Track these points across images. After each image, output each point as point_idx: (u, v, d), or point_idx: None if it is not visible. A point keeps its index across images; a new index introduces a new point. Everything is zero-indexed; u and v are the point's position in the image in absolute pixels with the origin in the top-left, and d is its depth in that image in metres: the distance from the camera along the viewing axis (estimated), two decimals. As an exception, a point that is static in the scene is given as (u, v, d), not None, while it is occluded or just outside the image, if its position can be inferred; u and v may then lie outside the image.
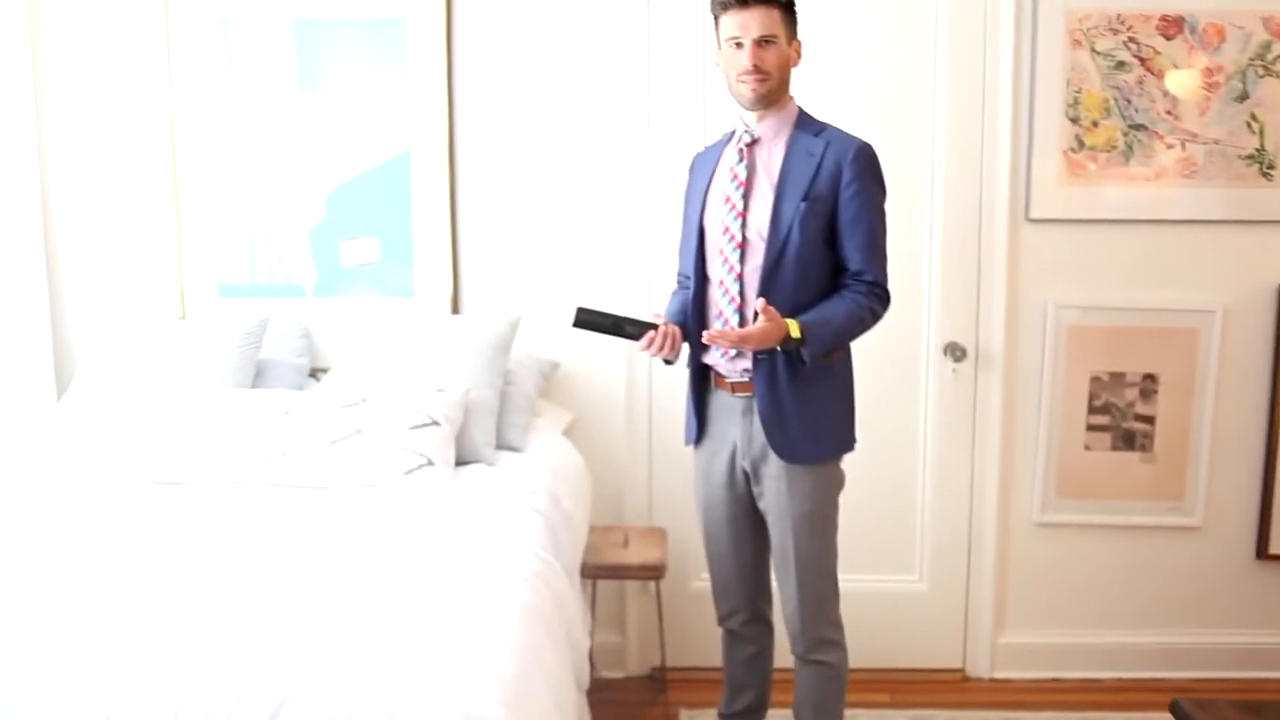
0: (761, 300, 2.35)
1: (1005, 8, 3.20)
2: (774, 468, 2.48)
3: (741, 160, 2.51)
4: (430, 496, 2.52)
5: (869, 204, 2.45)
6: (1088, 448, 3.37)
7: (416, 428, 2.65)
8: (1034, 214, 3.28)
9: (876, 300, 2.47)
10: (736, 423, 2.54)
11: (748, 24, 2.42)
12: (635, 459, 3.41)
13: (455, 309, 3.36)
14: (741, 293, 2.47)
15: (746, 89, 2.45)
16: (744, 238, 2.47)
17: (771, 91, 2.45)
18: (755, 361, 2.45)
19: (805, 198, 2.42)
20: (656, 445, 3.40)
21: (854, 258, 2.45)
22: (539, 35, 3.31)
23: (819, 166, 2.44)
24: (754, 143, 2.51)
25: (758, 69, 2.42)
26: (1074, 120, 3.23)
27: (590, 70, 3.31)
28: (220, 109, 3.33)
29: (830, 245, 2.47)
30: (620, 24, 3.29)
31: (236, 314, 3.29)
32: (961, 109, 3.26)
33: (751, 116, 2.52)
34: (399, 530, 2.30)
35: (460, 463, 2.77)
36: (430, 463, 2.60)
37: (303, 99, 3.32)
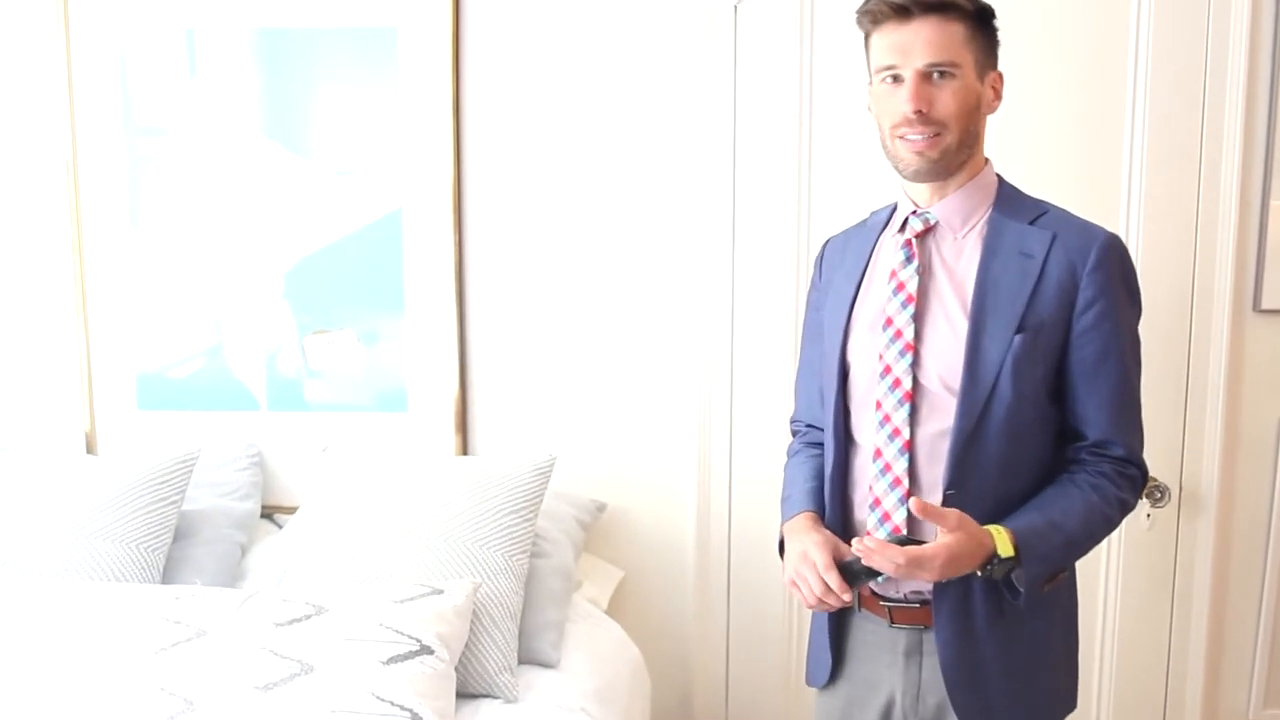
0: (955, 513, 1.46)
1: (1239, 9, 2.28)
2: None
3: (910, 260, 1.63)
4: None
5: (1121, 336, 1.60)
6: (1332, 623, 2.49)
7: (395, 660, 1.74)
8: (1267, 302, 2.39)
9: (1129, 487, 1.63)
10: (896, 665, 1.67)
11: (910, 46, 1.55)
12: (708, 636, 2.53)
13: (462, 428, 2.46)
14: (912, 472, 1.59)
15: (908, 149, 1.59)
16: (917, 385, 1.59)
17: (949, 153, 1.58)
18: (936, 583, 1.54)
19: (1022, 327, 1.55)
20: (737, 614, 2.51)
21: (1094, 420, 1.61)
22: (580, 51, 2.39)
23: (1041, 275, 1.58)
24: (928, 231, 1.63)
25: (924, 116, 1.55)
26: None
27: (654, 97, 2.39)
28: (147, 146, 2.43)
29: (1056, 399, 1.61)
30: (688, 33, 2.37)
31: (157, 442, 2.39)
32: (1166, 153, 2.35)
33: (922, 191, 1.64)
34: None
35: (465, 696, 1.87)
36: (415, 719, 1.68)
37: (260, 139, 2.41)
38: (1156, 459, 2.42)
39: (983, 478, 1.56)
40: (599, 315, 2.46)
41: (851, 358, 1.67)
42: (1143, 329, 2.35)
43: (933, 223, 1.63)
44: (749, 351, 2.44)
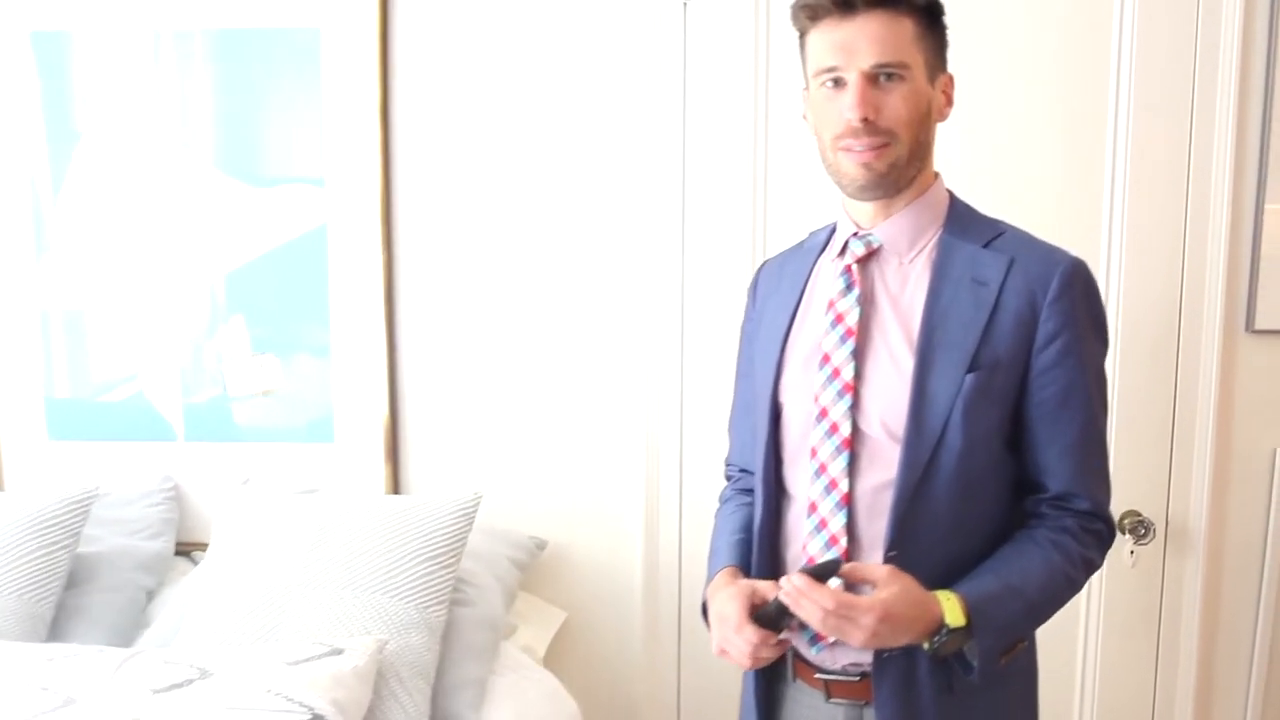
0: (886, 568, 1.29)
1: (1229, 9, 2.09)
2: None
3: (850, 289, 1.45)
4: None
5: (1086, 374, 1.41)
6: (1330, 666, 2.31)
7: (286, 733, 1.56)
8: (1261, 322, 2.19)
9: (1094, 544, 1.45)
10: None
11: (853, 45, 1.36)
12: (657, 689, 2.36)
13: (393, 459, 2.30)
14: (851, 529, 1.41)
15: (852, 161, 1.40)
16: (856, 431, 1.41)
17: (898, 166, 1.40)
18: (877, 655, 1.36)
19: (975, 366, 1.38)
20: (689, 664, 2.34)
21: (1056, 469, 1.43)
22: (512, 54, 2.22)
23: (996, 305, 1.39)
24: (870, 255, 1.45)
25: (871, 125, 1.36)
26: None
27: (598, 101, 2.21)
28: (53, 153, 2.26)
29: (1012, 446, 1.43)
30: (635, 33, 2.20)
31: (71, 473, 2.26)
32: (1151, 158, 2.15)
33: (864, 210, 1.47)
34: None
35: (369, 766, 1.69)
36: (305, 803, 1.52)
37: (173, 149, 2.24)
38: (1141, 492, 2.26)
39: (930, 536, 1.39)
40: (540, 338, 2.29)
41: (784, 398, 1.49)
42: (1126, 350, 2.20)
43: (876, 246, 1.46)
44: (699, 375, 2.26)
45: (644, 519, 2.30)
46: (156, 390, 2.31)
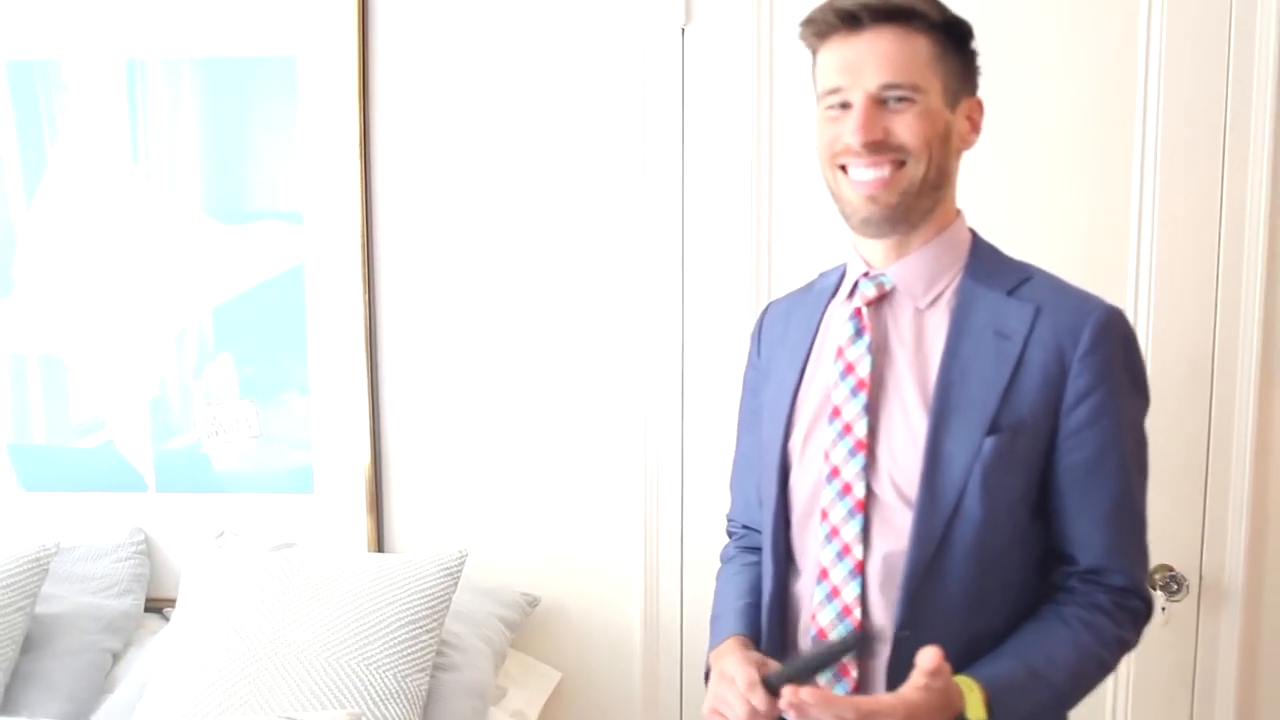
0: (933, 654, 1.16)
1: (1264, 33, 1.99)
2: None
3: (860, 335, 1.33)
4: None
5: (1122, 435, 1.29)
6: (1379, 732, 2.18)
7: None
8: (1300, 361, 2.08)
9: (1129, 623, 1.32)
10: None
11: (860, 64, 1.26)
12: (660, 745, 2.20)
13: (375, 510, 2.18)
14: (864, 600, 1.28)
15: (856, 192, 1.28)
16: (870, 493, 1.28)
17: (910, 194, 1.28)
18: None
19: (996, 428, 1.25)
20: (691, 718, 2.19)
21: (1088, 542, 1.31)
22: (500, 82, 2.12)
23: (1021, 360, 1.27)
24: (882, 298, 1.33)
25: (878, 145, 1.24)
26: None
27: (592, 130, 2.10)
28: (17, 189, 2.15)
29: (1038, 514, 1.30)
30: (630, 58, 2.09)
31: (39, 525, 2.15)
32: (1184, 185, 2.04)
33: (875, 248, 1.35)
34: None
35: None
36: None
37: (140, 186, 2.14)
38: (1173, 545, 2.15)
39: (946, 614, 1.26)
40: (531, 380, 2.17)
41: (794, 456, 1.36)
42: (1156, 394, 2.04)
43: (888, 288, 1.33)
44: (700, 420, 2.14)
45: (643, 572, 2.17)
46: (126, 438, 2.19)
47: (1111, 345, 1.27)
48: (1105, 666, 1.30)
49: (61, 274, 2.18)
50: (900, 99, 1.24)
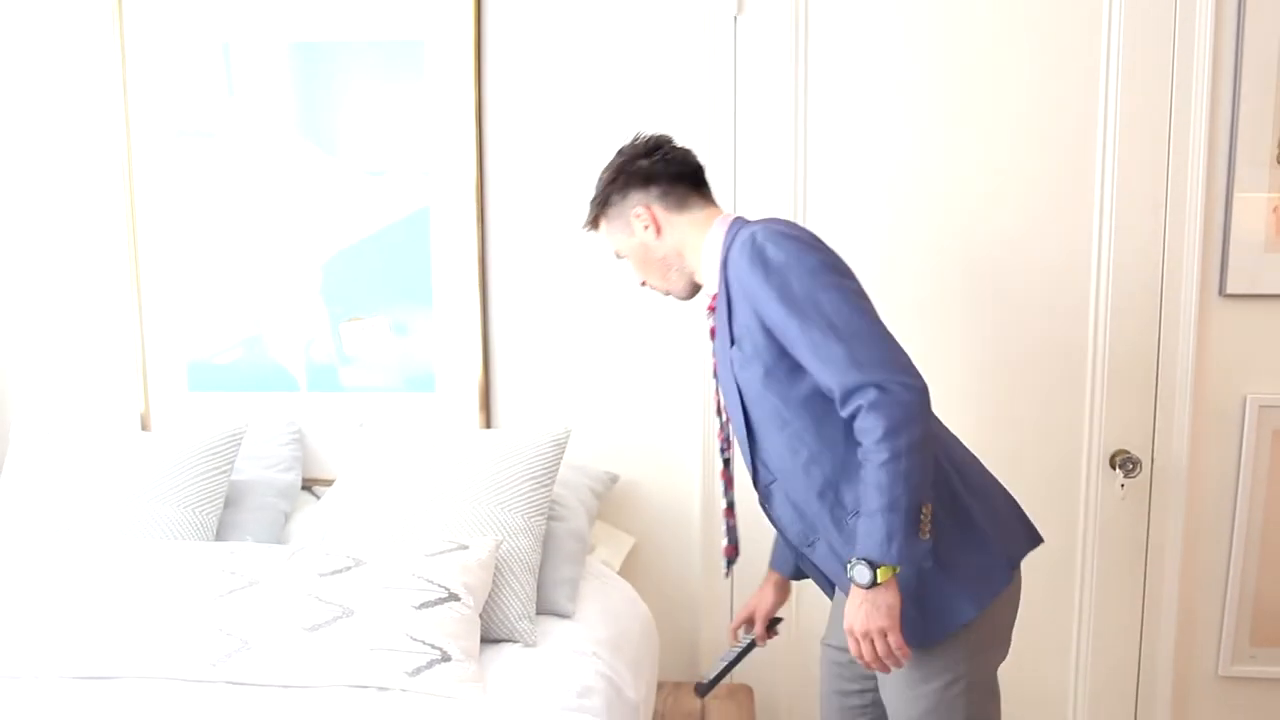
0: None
1: (1203, 9, 2.45)
2: None
3: (710, 313, 1.96)
4: (445, 706, 1.82)
5: (791, 301, 1.71)
6: (1295, 584, 2.63)
7: (427, 606, 1.95)
8: (1231, 288, 2.53)
9: (876, 416, 1.63)
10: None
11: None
12: (714, 594, 2.70)
13: (485, 405, 2.66)
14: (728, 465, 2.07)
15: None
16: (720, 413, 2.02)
17: (665, 289, 2.00)
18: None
19: (733, 340, 1.83)
20: (741, 580, 2.66)
21: (825, 381, 1.71)
22: (591, 60, 2.59)
23: (728, 290, 1.83)
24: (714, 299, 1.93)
25: (643, 283, 2.02)
26: (1291, 166, 2.48)
27: (660, 104, 2.58)
28: (192, 144, 2.65)
29: (794, 374, 1.78)
30: (692, 42, 2.57)
31: (207, 420, 2.61)
32: (1137, 150, 2.51)
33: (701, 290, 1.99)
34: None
35: (489, 640, 2.07)
36: (445, 657, 1.90)
37: (298, 142, 2.62)
38: (1130, 434, 2.58)
39: (778, 458, 1.82)
40: (610, 303, 2.64)
41: None
42: (1117, 312, 2.54)
43: (713, 294, 1.90)
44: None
45: (701, 456, 2.64)
46: (281, 349, 2.68)
47: (746, 257, 1.74)
48: (891, 467, 1.60)
49: (229, 215, 2.67)
50: (621, 256, 1.98)
